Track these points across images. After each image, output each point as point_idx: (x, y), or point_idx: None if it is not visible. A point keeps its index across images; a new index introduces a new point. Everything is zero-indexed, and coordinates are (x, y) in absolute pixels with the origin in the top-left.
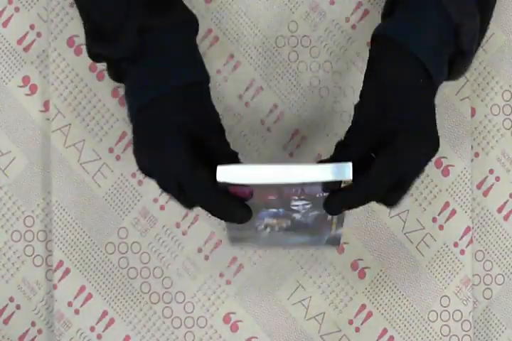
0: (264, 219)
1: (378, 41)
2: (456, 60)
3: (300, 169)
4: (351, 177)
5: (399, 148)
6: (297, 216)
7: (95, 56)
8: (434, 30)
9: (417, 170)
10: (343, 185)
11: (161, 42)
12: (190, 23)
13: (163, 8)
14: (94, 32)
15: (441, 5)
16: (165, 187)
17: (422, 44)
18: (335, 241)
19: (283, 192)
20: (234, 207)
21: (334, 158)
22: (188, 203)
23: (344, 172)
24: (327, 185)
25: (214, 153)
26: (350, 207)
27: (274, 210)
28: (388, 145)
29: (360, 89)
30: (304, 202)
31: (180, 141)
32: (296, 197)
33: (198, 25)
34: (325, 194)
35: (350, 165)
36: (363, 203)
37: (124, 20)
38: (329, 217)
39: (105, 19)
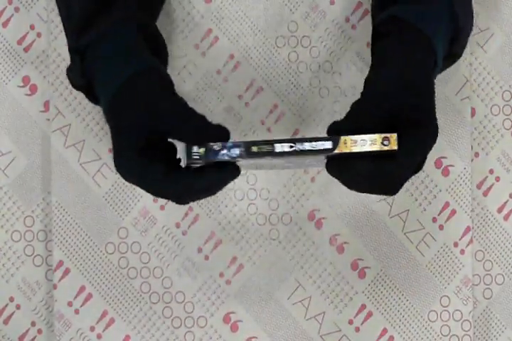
0: None
1: (392, 21)
2: (445, 60)
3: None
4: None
5: (422, 125)
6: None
7: (72, 83)
8: (444, 26)
9: (429, 149)
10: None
11: (97, 52)
12: (131, 21)
13: (92, 21)
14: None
15: (452, 5)
16: (145, 191)
17: (433, 29)
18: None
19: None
20: (213, 177)
21: (332, 130)
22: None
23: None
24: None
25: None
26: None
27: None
28: (410, 122)
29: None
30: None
31: (129, 142)
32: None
33: (142, 17)
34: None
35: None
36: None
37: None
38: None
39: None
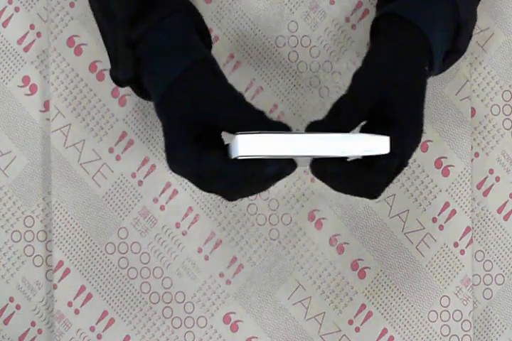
0: None
1: (386, 17)
2: (448, 56)
3: (339, 140)
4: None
5: (400, 126)
6: None
7: (116, 81)
8: (443, 20)
9: (414, 150)
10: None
11: (149, 44)
12: (178, 12)
13: (144, 14)
14: (110, 59)
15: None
16: (197, 185)
17: (430, 26)
18: None
19: None
20: (265, 168)
21: (325, 124)
22: (230, 192)
23: (385, 145)
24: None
25: (232, 131)
26: (340, 180)
27: None
28: (389, 122)
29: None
30: None
31: (184, 133)
32: None
33: (191, 8)
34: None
35: (387, 139)
36: (357, 182)
37: (114, 42)
38: None
39: (106, 45)
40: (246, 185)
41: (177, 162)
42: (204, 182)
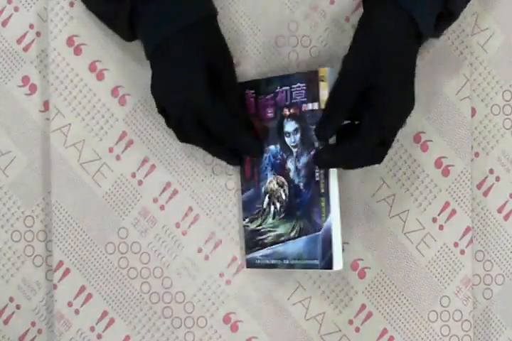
0: (266, 176)
1: None
2: (443, 19)
3: None
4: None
5: (382, 108)
6: (291, 167)
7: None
8: None
9: (399, 127)
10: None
11: None
12: None
13: None
14: None
15: None
16: (181, 119)
17: (415, 1)
18: (331, 260)
19: (278, 106)
20: (248, 137)
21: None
22: (197, 136)
23: None
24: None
25: (226, 82)
26: (338, 163)
27: (273, 148)
28: (373, 104)
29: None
30: (294, 123)
31: (201, 74)
32: (288, 113)
33: None
34: (312, 127)
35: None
36: (351, 158)
37: None
38: (317, 177)
39: None
40: (224, 137)
41: (182, 94)
42: (187, 119)
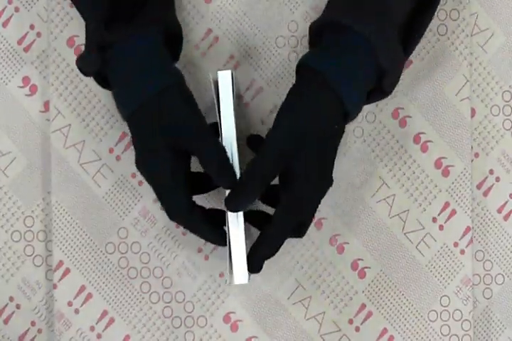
0: None
1: (302, 71)
2: (375, 94)
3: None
4: None
5: (297, 195)
6: None
7: (81, 70)
8: (360, 69)
9: (315, 208)
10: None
11: (122, 54)
12: (156, 23)
13: (126, 16)
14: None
15: (371, 48)
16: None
17: (343, 79)
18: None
19: None
20: (209, 232)
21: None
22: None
23: None
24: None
25: (199, 155)
26: (266, 256)
27: None
28: (288, 190)
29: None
30: None
31: (164, 157)
32: None
33: (172, 18)
34: None
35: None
36: (275, 250)
37: (86, 38)
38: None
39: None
40: (184, 227)
41: (147, 173)
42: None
